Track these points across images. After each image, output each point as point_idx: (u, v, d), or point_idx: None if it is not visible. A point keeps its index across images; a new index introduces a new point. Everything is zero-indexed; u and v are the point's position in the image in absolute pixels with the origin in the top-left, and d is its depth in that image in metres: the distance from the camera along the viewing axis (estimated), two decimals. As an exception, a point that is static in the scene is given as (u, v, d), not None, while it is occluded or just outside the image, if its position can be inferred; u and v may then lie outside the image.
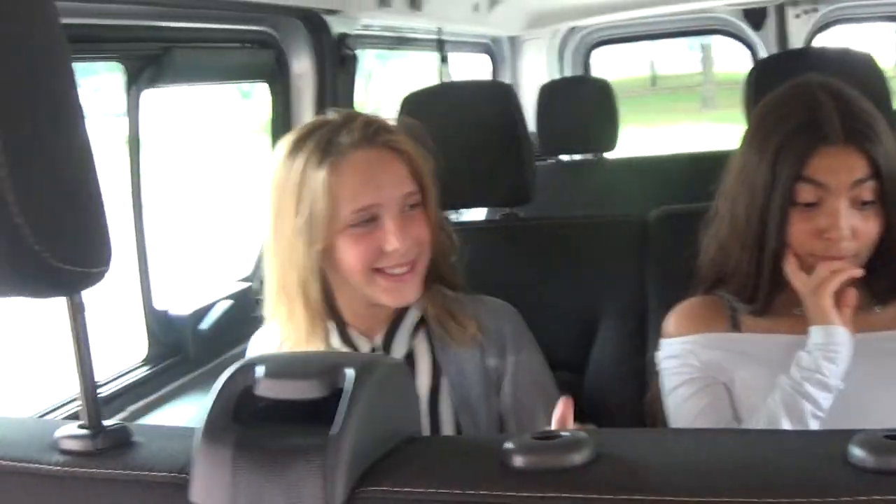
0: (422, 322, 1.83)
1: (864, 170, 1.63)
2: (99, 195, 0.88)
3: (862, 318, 1.71)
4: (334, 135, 1.69)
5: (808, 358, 1.64)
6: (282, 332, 1.77)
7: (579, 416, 1.50)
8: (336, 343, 1.78)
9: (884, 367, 1.69)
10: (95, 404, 0.92)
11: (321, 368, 0.80)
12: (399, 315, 1.81)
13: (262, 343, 1.89)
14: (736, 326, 1.80)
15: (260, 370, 0.81)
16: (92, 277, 0.88)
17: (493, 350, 1.83)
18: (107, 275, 0.89)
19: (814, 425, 1.61)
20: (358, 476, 0.75)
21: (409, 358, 1.80)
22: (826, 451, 0.64)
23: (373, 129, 1.71)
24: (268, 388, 0.80)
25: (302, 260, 1.69)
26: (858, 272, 1.65)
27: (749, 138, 1.75)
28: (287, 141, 1.73)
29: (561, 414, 1.44)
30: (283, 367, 0.83)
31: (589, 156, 4.17)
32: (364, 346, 1.80)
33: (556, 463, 0.69)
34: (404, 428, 0.83)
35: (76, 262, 0.85)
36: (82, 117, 0.87)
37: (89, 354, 0.93)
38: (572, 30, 4.98)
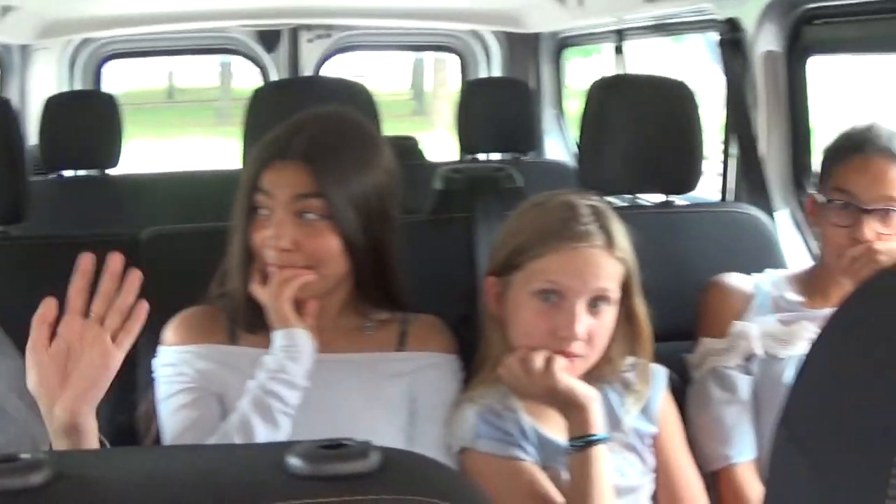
0: None
1: (309, 188, 1.74)
2: None
3: (355, 337, 1.86)
4: None
5: (272, 359, 1.74)
6: None
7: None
8: None
9: (370, 384, 1.82)
10: None
11: None
12: None
13: None
14: (233, 339, 1.85)
15: None
16: None
17: None
18: None
19: (284, 421, 1.71)
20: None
21: None
22: (266, 461, 0.70)
23: None
24: None
25: None
26: (311, 278, 1.76)
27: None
28: None
29: None
30: None
31: (94, 172, 4.08)
32: None
33: (16, 484, 0.70)
34: None
35: None
36: None
37: None
38: (85, 41, 4.87)
